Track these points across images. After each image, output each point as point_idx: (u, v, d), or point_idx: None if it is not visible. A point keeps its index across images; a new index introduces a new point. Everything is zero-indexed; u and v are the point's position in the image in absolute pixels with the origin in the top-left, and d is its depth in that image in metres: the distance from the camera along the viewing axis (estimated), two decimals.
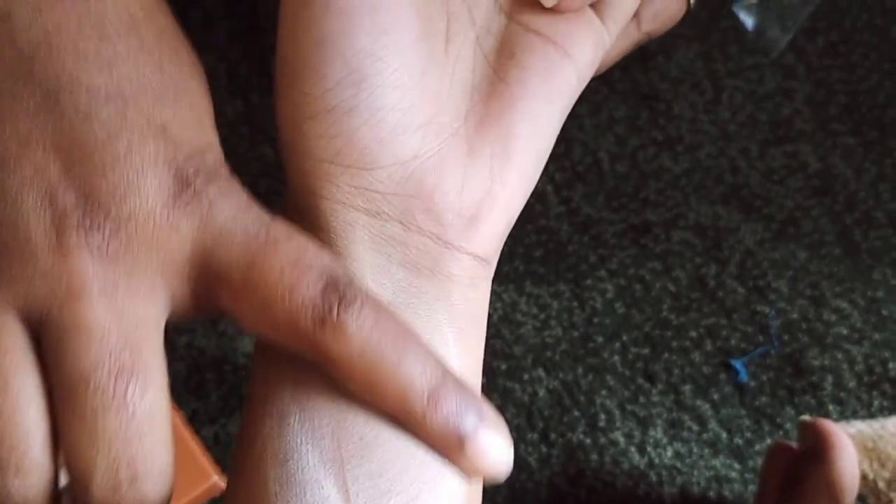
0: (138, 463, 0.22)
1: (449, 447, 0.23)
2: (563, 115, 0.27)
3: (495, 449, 0.23)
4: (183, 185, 0.23)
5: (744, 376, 0.53)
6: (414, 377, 0.23)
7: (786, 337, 0.54)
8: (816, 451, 0.43)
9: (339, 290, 0.22)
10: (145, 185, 0.23)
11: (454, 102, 0.26)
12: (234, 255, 0.23)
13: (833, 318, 0.55)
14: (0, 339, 0.22)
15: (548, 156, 0.27)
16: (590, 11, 0.28)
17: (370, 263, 0.24)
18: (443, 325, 0.25)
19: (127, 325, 0.22)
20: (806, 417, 0.45)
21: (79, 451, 0.22)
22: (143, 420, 0.22)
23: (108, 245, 0.22)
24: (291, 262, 0.23)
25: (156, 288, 0.23)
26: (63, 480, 0.23)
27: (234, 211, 0.23)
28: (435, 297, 0.25)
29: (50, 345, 0.22)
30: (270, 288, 0.22)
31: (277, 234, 0.23)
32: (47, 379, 0.22)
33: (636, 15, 0.31)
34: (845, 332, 0.54)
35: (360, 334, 0.22)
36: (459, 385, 0.23)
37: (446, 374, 0.23)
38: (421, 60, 0.25)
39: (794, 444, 0.46)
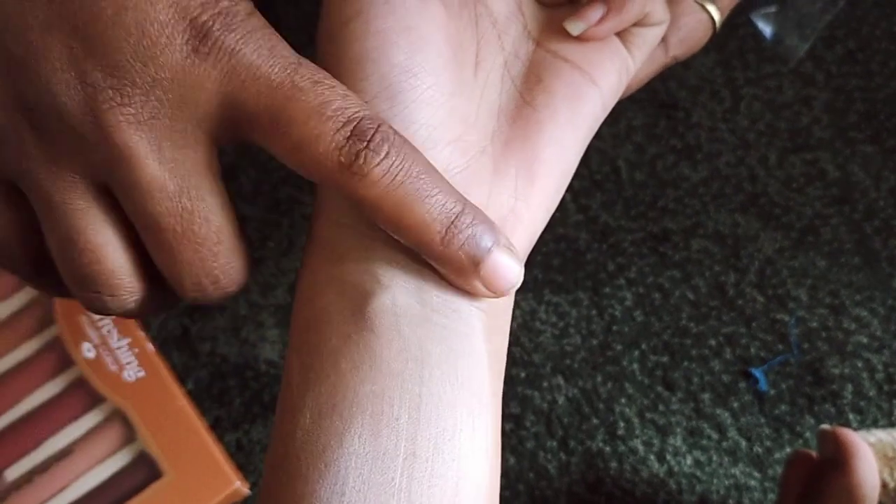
0: (215, 274, 0.26)
1: (465, 270, 0.25)
2: (587, 140, 0.28)
3: (506, 269, 0.25)
4: (201, 36, 0.24)
5: (763, 385, 0.53)
6: (436, 209, 0.24)
7: (805, 345, 0.54)
8: (836, 459, 0.43)
9: (364, 137, 0.23)
10: (163, 47, 0.24)
11: (482, 123, 0.27)
12: (261, 103, 0.24)
13: (853, 326, 0.55)
14: (75, 200, 0.25)
15: (570, 177, 0.28)
16: (616, 40, 0.29)
17: (397, 261, 0.25)
18: (468, 315, 0.26)
19: (180, 174, 0.24)
20: (826, 426, 0.45)
21: (168, 272, 0.26)
22: (211, 243, 0.25)
23: (141, 112, 0.24)
24: (317, 109, 0.24)
25: (197, 136, 0.25)
26: None
27: (256, 57, 0.24)
28: (460, 293, 0.26)
29: (121, 198, 0.25)
30: (297, 136, 0.24)
31: (302, 80, 0.24)
32: (125, 219, 0.26)
33: (664, 40, 0.32)
34: (865, 340, 0.54)
35: (385, 177, 0.23)
36: (478, 212, 0.25)
37: (466, 204, 0.25)
38: (451, 80, 0.26)
39: (813, 453, 0.46)
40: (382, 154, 0.23)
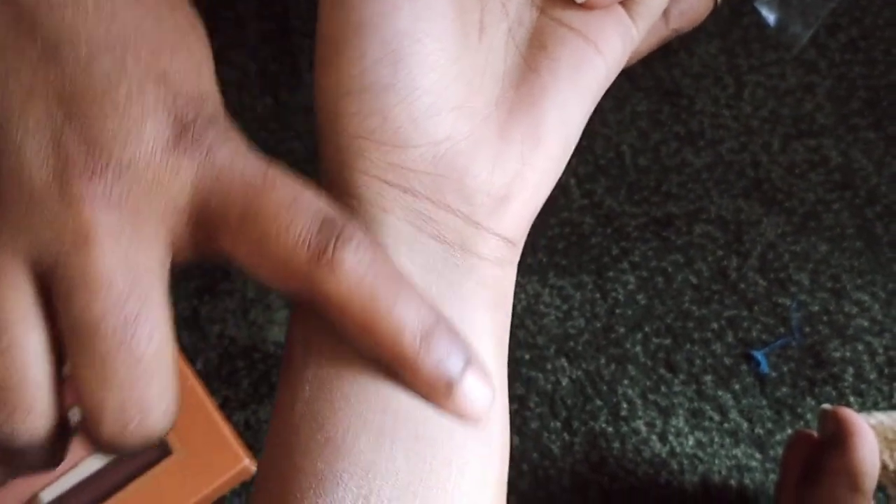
0: (145, 403, 0.23)
1: (437, 391, 0.24)
2: (591, 107, 0.28)
3: (478, 394, 0.24)
4: (182, 130, 0.23)
5: (765, 367, 0.54)
6: (408, 318, 0.23)
7: (807, 329, 0.55)
8: (837, 438, 0.43)
9: (336, 228, 0.23)
10: (145, 131, 0.23)
11: (486, 88, 0.27)
12: (231, 198, 0.23)
13: (854, 310, 0.55)
14: (5, 291, 0.22)
15: (575, 144, 0.28)
16: (619, 8, 0.29)
17: (402, 233, 0.25)
18: (474, 293, 0.25)
19: (133, 274, 0.23)
20: (827, 406, 0.46)
21: (90, 392, 0.23)
22: (150, 364, 0.23)
23: (111, 191, 0.22)
24: (288, 202, 0.23)
25: (159, 233, 0.24)
26: (76, 416, 0.24)
27: (232, 155, 0.24)
28: (466, 268, 0.25)
29: (58, 293, 0.22)
30: (266, 226, 0.23)
31: (275, 177, 0.24)
32: (55, 323, 0.23)
33: (665, 12, 0.32)
34: (866, 324, 0.55)
35: (356, 271, 0.23)
36: (451, 329, 0.24)
37: (439, 317, 0.24)
38: (456, 45, 0.26)
39: (814, 434, 0.47)
40: (354, 243, 0.23)
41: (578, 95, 0.27)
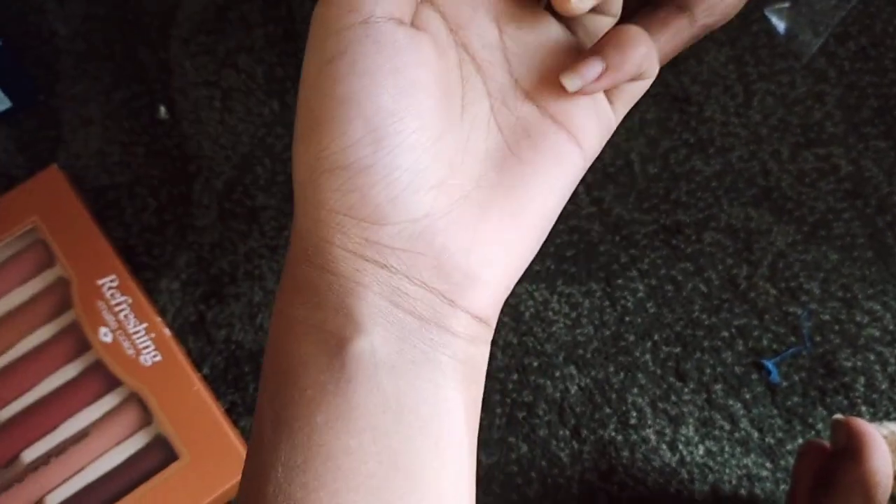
0: None
1: None
2: (567, 196, 0.28)
3: None
4: None
5: (775, 376, 0.53)
6: None
7: (817, 338, 0.55)
8: (850, 449, 0.43)
9: None
10: None
11: (467, 167, 0.27)
12: None
13: (865, 319, 0.55)
14: None
15: (548, 231, 0.28)
16: (601, 96, 0.28)
17: (378, 307, 0.25)
18: (448, 367, 0.26)
19: None
20: (839, 416, 0.46)
21: None
22: None
23: None
24: None
25: None
26: None
27: None
28: (439, 343, 0.26)
29: None
30: None
31: None
32: None
33: (689, 12, 0.32)
34: (877, 333, 0.55)
35: None
36: None
37: None
38: (438, 123, 0.26)
39: (826, 444, 0.47)
40: None
41: (557, 186, 0.27)
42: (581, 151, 0.28)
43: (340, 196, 0.25)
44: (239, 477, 0.50)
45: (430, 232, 0.25)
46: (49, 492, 0.51)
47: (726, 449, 0.52)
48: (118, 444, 0.52)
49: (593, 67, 0.27)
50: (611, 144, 0.60)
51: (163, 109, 0.62)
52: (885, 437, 0.52)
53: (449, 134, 0.26)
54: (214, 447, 0.51)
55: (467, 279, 0.26)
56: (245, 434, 0.53)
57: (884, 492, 0.42)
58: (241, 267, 0.58)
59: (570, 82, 0.27)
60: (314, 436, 0.24)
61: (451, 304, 0.26)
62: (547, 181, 0.27)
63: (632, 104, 0.30)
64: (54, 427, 0.53)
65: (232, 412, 0.54)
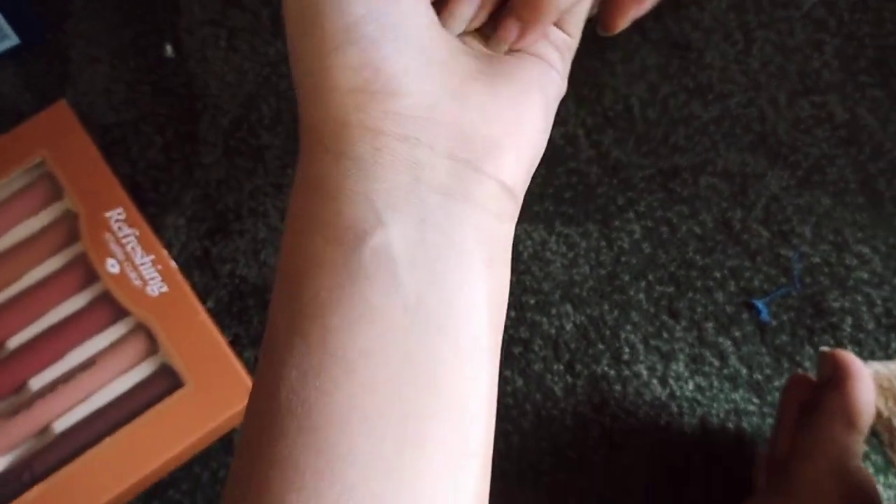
0: None
1: None
2: (551, 111, 0.29)
3: None
4: None
5: (765, 316, 0.55)
6: None
7: (807, 279, 0.56)
8: (834, 379, 0.44)
9: None
10: None
11: (470, 53, 0.28)
12: None
13: (854, 262, 0.56)
14: None
15: (543, 148, 0.28)
16: (554, 29, 0.29)
17: (398, 187, 0.24)
18: (472, 247, 0.25)
19: None
20: (825, 348, 0.47)
21: None
22: None
23: None
24: None
25: None
26: None
27: None
28: (465, 219, 0.25)
29: None
30: None
31: None
32: None
33: None
34: (866, 276, 0.56)
35: None
36: None
37: None
38: (433, 16, 0.27)
39: (812, 377, 0.48)
40: None
41: (545, 91, 0.28)
42: (555, 70, 0.29)
43: (353, 74, 0.24)
44: (242, 404, 0.52)
45: (447, 101, 0.25)
46: (56, 418, 0.53)
47: (715, 384, 0.54)
48: (124, 372, 0.54)
49: (511, 30, 0.28)
50: (611, 89, 0.61)
51: (169, 48, 0.63)
52: (875, 376, 0.54)
53: (441, 33, 0.27)
54: (219, 375, 0.52)
55: (491, 144, 0.25)
56: (249, 365, 0.54)
57: (866, 420, 0.44)
58: (246, 204, 0.59)
59: (498, 47, 0.28)
60: (329, 339, 0.23)
61: (476, 170, 0.25)
62: (535, 80, 0.28)
63: (584, 20, 0.30)
64: (62, 355, 0.54)
65: (236, 344, 0.55)
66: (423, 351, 0.23)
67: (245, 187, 0.59)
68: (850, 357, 0.45)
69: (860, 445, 0.43)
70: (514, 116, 0.27)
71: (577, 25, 0.30)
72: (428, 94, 0.25)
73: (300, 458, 0.22)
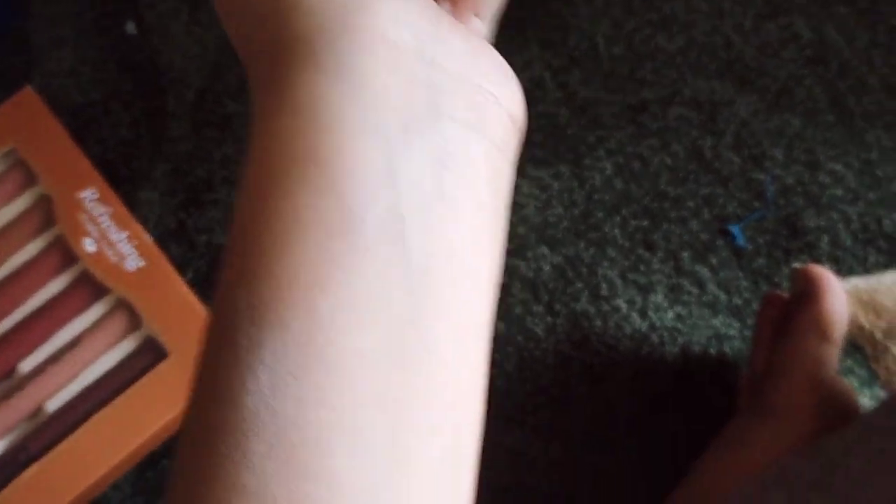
0: None
1: None
2: None
3: None
4: None
5: (741, 240, 0.55)
6: None
7: (781, 201, 0.56)
8: (807, 292, 0.44)
9: None
10: None
11: None
12: None
13: (828, 180, 0.56)
14: None
15: None
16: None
17: (418, 116, 0.20)
18: (485, 197, 0.21)
19: None
20: (797, 265, 0.47)
21: None
22: None
23: None
24: None
25: None
26: None
27: None
28: (480, 159, 0.21)
29: None
30: None
31: None
32: None
33: None
34: (840, 192, 0.56)
35: None
36: None
37: None
38: None
39: (785, 295, 0.48)
40: None
41: None
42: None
43: None
44: None
45: (447, 18, 0.22)
46: (48, 398, 0.54)
47: (695, 312, 0.54)
48: (110, 348, 0.54)
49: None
50: (575, 28, 0.61)
51: (131, 25, 0.63)
52: (849, 292, 0.54)
53: None
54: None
55: (498, 68, 0.22)
56: None
57: (839, 330, 0.44)
58: (218, 173, 0.59)
59: None
60: (316, 332, 0.18)
61: (491, 98, 0.21)
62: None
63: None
64: (48, 337, 0.55)
65: None
66: (422, 343, 0.18)
67: (215, 156, 0.59)
68: (820, 271, 0.45)
69: (835, 357, 0.44)
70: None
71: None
72: (431, 6, 0.21)
73: (270, 491, 0.17)
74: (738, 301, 0.54)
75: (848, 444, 0.35)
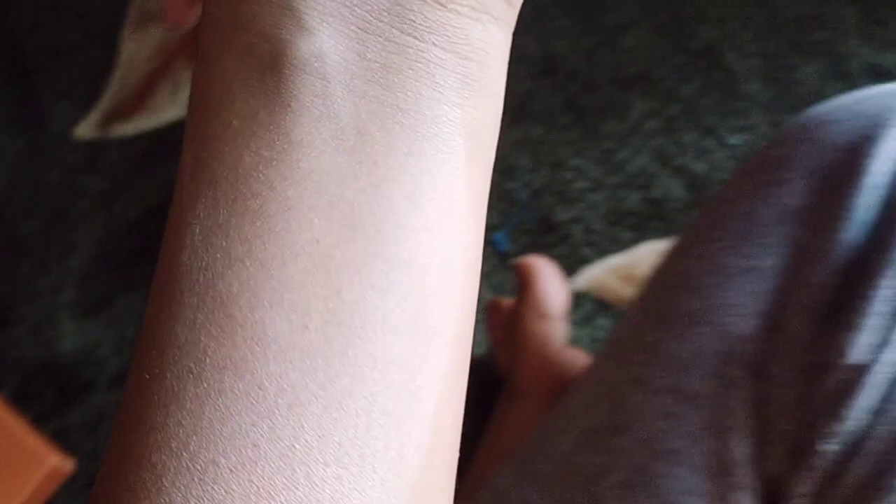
0: None
1: None
2: None
3: None
4: None
5: (504, 246, 0.59)
6: None
7: (535, 203, 0.61)
8: (523, 283, 0.49)
9: None
10: None
11: None
12: None
13: (572, 175, 0.61)
14: None
15: None
16: None
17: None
18: (435, 68, 0.18)
19: None
20: (514, 260, 0.51)
21: None
22: None
23: None
24: None
25: None
26: None
27: None
28: (423, 24, 0.18)
29: None
30: None
31: None
32: None
33: None
34: (585, 184, 0.61)
35: None
36: None
37: None
38: None
39: (501, 299, 0.52)
40: None
41: None
42: None
43: None
44: (44, 472, 0.55)
45: None
46: None
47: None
48: None
49: None
50: None
51: None
52: (613, 271, 0.58)
53: None
54: (13, 450, 0.55)
55: None
56: (56, 436, 0.57)
57: (555, 305, 0.48)
58: (19, 293, 0.62)
59: None
60: (240, 184, 0.18)
61: None
62: None
63: None
64: None
65: (39, 421, 0.58)
66: (369, 204, 0.17)
67: (14, 277, 0.62)
68: (530, 260, 0.49)
69: (558, 331, 0.48)
70: None
71: None
72: None
73: (200, 342, 0.17)
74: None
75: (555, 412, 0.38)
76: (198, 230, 0.18)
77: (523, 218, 0.60)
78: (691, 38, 0.65)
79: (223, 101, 0.18)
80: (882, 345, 0.27)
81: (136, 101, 0.68)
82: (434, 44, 0.18)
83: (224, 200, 0.18)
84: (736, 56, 0.64)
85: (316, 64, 0.17)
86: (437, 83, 0.18)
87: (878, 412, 0.26)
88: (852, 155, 0.28)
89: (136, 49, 0.69)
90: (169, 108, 0.68)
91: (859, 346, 0.27)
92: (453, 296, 0.18)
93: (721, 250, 0.30)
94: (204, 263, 0.18)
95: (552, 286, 0.48)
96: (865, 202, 0.28)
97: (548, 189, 0.61)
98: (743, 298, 0.29)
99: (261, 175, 0.17)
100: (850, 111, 0.30)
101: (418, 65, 0.18)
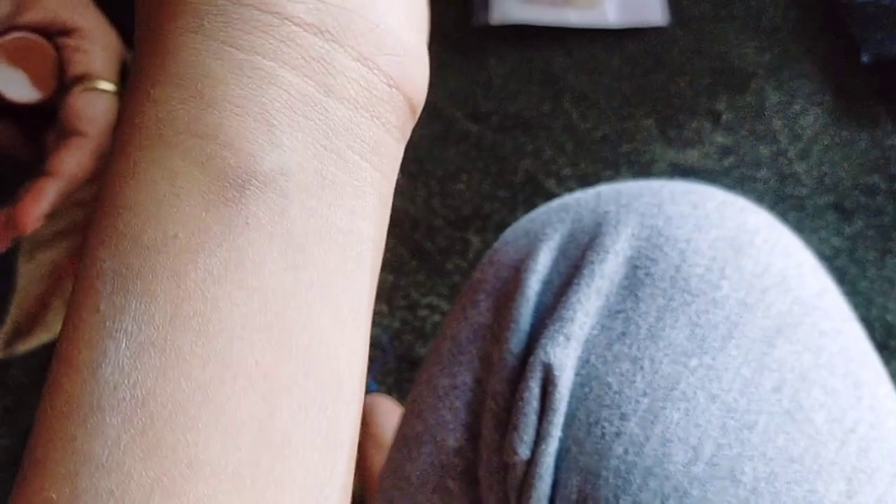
0: None
1: None
2: None
3: None
4: None
5: (372, 388, 0.65)
6: None
7: (397, 342, 0.67)
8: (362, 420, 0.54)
9: None
10: None
11: None
12: None
13: (425, 313, 0.68)
14: None
15: None
16: None
17: (307, 95, 0.18)
18: (367, 186, 0.19)
19: None
20: None
21: None
22: None
23: None
24: None
25: None
26: None
27: None
28: (370, 144, 0.19)
29: None
30: None
31: None
32: None
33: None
34: (438, 318, 0.67)
35: None
36: None
37: None
38: None
39: None
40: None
41: None
42: None
43: None
44: None
45: None
46: None
47: None
48: None
49: None
50: None
51: None
52: None
53: None
54: None
55: (389, 43, 0.19)
56: None
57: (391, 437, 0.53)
58: None
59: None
60: (182, 302, 0.17)
61: (385, 78, 0.19)
62: None
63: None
64: None
65: None
66: (300, 320, 0.18)
67: None
68: (366, 398, 0.54)
69: None
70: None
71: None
72: None
73: (125, 464, 0.16)
74: None
75: None
76: (124, 344, 0.17)
77: (385, 360, 0.67)
78: (514, 172, 0.73)
79: (167, 210, 0.17)
80: (539, 440, 0.29)
81: (33, 320, 0.74)
82: (370, 163, 0.18)
83: (161, 317, 0.17)
84: (554, 182, 0.72)
85: (281, 181, 0.17)
86: (365, 202, 0.18)
87: (552, 501, 0.29)
88: (517, 272, 0.32)
89: (31, 272, 0.77)
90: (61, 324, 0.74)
91: (524, 443, 0.29)
92: (356, 408, 0.19)
93: (436, 373, 0.34)
94: (132, 381, 0.16)
95: (389, 419, 0.53)
96: (524, 313, 0.31)
97: (406, 329, 0.68)
98: (451, 415, 0.32)
99: (206, 293, 0.17)
100: (522, 230, 0.33)
101: (357, 183, 0.18)
